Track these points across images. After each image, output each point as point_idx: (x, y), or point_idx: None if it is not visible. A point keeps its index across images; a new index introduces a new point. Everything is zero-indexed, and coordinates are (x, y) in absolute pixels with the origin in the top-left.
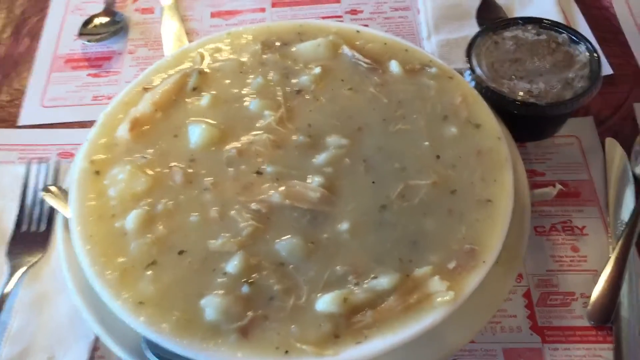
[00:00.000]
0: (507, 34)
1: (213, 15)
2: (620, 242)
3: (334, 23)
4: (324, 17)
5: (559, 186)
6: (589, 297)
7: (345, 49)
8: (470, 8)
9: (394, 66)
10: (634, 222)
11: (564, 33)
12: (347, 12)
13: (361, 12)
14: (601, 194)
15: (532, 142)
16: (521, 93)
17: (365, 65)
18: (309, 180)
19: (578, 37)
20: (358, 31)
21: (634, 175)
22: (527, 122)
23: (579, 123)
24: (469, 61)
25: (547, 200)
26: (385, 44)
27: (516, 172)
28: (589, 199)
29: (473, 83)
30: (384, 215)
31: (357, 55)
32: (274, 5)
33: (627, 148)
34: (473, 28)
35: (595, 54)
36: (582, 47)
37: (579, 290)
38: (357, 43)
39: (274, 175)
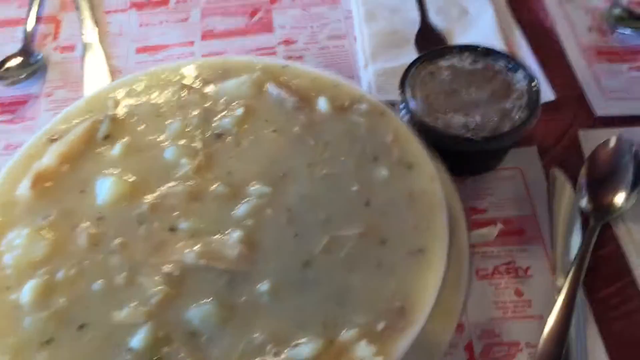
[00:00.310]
0: (443, 63)
1: (139, 51)
2: (566, 284)
3: (260, 58)
4: (256, 49)
5: (499, 225)
6: (535, 346)
7: (271, 87)
8: (408, 34)
9: (322, 103)
10: (580, 261)
11: (501, 60)
12: (280, 43)
13: (295, 42)
14: (546, 230)
15: (473, 176)
16: (457, 127)
17: (291, 103)
18: (227, 236)
19: (515, 64)
20: (285, 66)
21: (580, 209)
22: (465, 157)
23: (522, 154)
24: (403, 94)
25: (489, 241)
26: (313, 79)
27: (453, 213)
28: (533, 236)
29: (407, 118)
30: (307, 273)
31: (282, 93)
32: (203, 38)
33: (573, 179)
34: (412, 55)
35: (533, 82)
36: (519, 75)
37: (524, 339)
38: (284, 79)
39: (189, 232)
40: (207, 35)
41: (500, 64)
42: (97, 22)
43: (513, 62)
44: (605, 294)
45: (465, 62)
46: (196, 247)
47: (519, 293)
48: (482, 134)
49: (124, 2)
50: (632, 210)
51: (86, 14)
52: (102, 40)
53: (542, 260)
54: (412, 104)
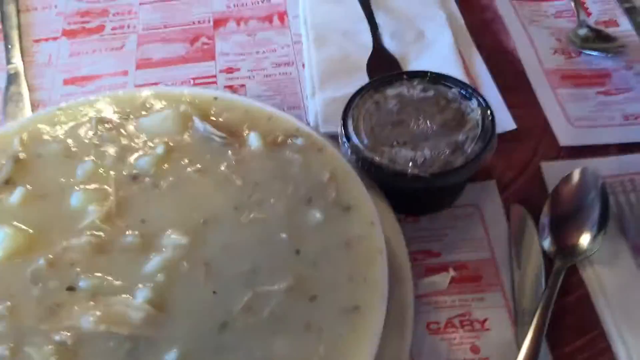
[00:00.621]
0: (390, 91)
1: (66, 82)
2: (527, 338)
3: (189, 89)
4: (196, 78)
5: (452, 272)
6: None
7: (197, 121)
8: (360, 60)
9: (253, 139)
10: (543, 311)
11: (453, 87)
12: (222, 71)
13: (238, 70)
14: (506, 275)
15: (427, 215)
16: (403, 162)
17: (219, 139)
18: (133, 295)
19: (470, 91)
20: (216, 98)
21: (544, 251)
22: (415, 195)
23: (479, 189)
24: (344, 127)
25: (441, 289)
26: (246, 111)
27: (397, 261)
28: (491, 282)
29: (349, 153)
30: (223, 337)
31: (209, 128)
32: (138, 67)
33: (536, 216)
34: (364, 82)
35: (488, 111)
36: (474, 103)
37: None
38: (214, 112)
39: (90, 292)
40: (143, 64)
41: (453, 91)
42: (24, 51)
43: (467, 89)
44: (572, 349)
45: (414, 90)
46: (96, 310)
47: (475, 350)
48: (431, 170)
49: (56, 29)
50: (600, 251)
51: (13, 42)
52: (27, 71)
53: (502, 310)
54: (355, 138)
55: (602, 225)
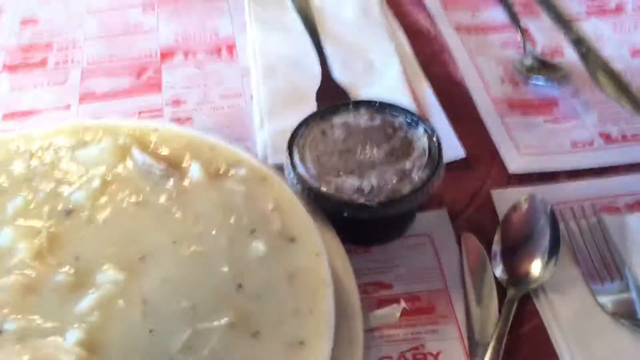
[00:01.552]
0: (337, 120)
1: (5, 117)
2: None
3: (129, 121)
4: (141, 111)
5: (403, 304)
6: None
7: (136, 153)
8: (309, 91)
9: (195, 170)
10: (497, 343)
11: (400, 115)
12: (168, 104)
13: (185, 102)
14: (459, 305)
15: (377, 245)
16: (350, 191)
17: (158, 171)
18: (64, 337)
19: (416, 119)
20: (156, 129)
21: (497, 280)
22: (363, 225)
23: (431, 218)
24: (290, 156)
25: (393, 322)
26: (187, 142)
27: (345, 293)
28: (444, 314)
29: (295, 183)
30: None
31: (148, 159)
32: (82, 100)
33: (488, 244)
34: None
35: (434, 138)
36: (421, 130)
37: None
38: (154, 144)
39: (16, 334)
40: (86, 97)
41: (400, 119)
42: None
43: (413, 117)
44: None
45: (361, 118)
46: (23, 354)
47: None
48: (378, 199)
49: None
50: (553, 279)
51: None
52: None
53: (455, 342)
54: (300, 167)
55: (553, 252)
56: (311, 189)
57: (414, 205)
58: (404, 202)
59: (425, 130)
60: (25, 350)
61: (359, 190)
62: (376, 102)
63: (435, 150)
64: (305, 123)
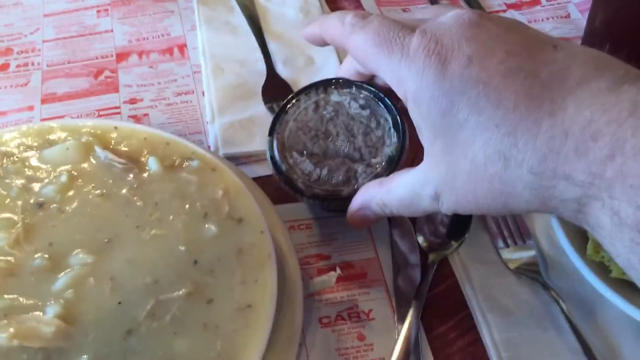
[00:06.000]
0: (334, 97)
1: None
2: (405, 324)
3: (90, 121)
4: (100, 110)
5: (338, 270)
6: None
7: (98, 150)
8: (255, 87)
9: (152, 163)
10: (417, 299)
11: (389, 113)
12: (126, 102)
13: (141, 100)
14: (388, 270)
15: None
16: (301, 174)
17: (119, 165)
18: (43, 312)
19: (401, 123)
20: (116, 127)
21: (419, 246)
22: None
23: None
24: (275, 120)
25: (331, 287)
26: (145, 138)
27: (287, 264)
28: (375, 278)
29: (269, 157)
30: (129, 342)
31: (109, 155)
32: (44, 102)
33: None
34: (259, 106)
35: (402, 149)
36: (394, 139)
37: None
38: (114, 141)
39: (2, 311)
40: (48, 98)
41: (386, 116)
42: None
43: (399, 120)
44: (443, 330)
45: (356, 102)
46: (9, 327)
47: (361, 337)
48: (314, 191)
49: None
50: (466, 244)
51: None
52: None
53: (384, 302)
54: (276, 133)
55: (467, 222)
56: (272, 158)
57: (346, 206)
58: (339, 200)
59: (398, 139)
60: (11, 324)
61: (308, 174)
62: (375, 90)
63: (394, 162)
64: (306, 90)
